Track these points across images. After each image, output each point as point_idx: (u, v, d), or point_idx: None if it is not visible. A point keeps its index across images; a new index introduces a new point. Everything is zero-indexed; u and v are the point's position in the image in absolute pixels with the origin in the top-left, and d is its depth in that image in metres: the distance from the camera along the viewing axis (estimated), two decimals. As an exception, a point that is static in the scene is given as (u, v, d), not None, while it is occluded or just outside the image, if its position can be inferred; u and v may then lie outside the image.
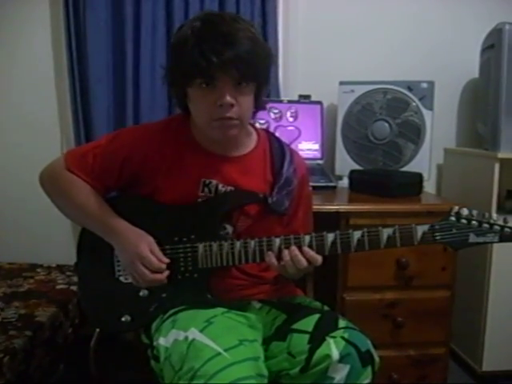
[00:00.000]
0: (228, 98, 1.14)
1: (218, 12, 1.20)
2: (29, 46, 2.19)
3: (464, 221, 1.14)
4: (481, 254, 1.98)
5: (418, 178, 1.92)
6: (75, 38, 2.06)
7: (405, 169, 2.10)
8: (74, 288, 1.93)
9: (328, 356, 1.09)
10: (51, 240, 2.23)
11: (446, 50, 2.31)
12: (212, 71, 1.11)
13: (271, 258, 1.18)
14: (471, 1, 2.31)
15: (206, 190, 1.26)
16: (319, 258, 1.17)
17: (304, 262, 1.16)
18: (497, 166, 1.93)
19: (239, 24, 1.15)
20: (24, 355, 1.50)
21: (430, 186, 2.27)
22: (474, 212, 1.15)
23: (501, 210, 2.01)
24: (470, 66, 2.25)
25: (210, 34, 1.12)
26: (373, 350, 1.14)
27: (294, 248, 1.17)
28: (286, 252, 1.17)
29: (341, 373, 1.09)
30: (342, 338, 1.12)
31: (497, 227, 1.12)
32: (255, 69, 1.16)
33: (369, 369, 1.12)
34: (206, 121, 1.19)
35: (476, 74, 2.25)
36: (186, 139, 1.28)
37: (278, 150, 1.35)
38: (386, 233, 1.16)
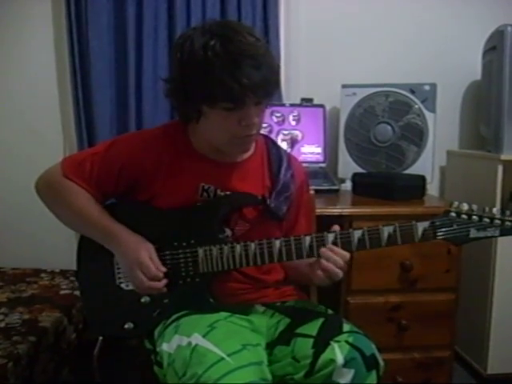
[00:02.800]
0: (255, 119, 1.15)
1: (228, 23, 1.17)
2: (31, 52, 2.20)
3: (464, 216, 1.15)
4: (485, 255, 1.98)
5: (420, 181, 1.92)
6: (77, 43, 2.07)
7: (408, 171, 2.10)
8: (77, 293, 1.92)
9: (332, 360, 1.09)
10: (55, 245, 2.22)
11: (448, 52, 2.30)
12: (245, 97, 1.09)
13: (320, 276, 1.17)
14: (473, 3, 2.31)
15: (205, 194, 1.26)
16: (347, 254, 1.17)
17: (340, 260, 1.15)
18: (500, 168, 1.92)
19: (256, 40, 1.12)
20: (28, 361, 1.50)
21: (433, 189, 2.26)
22: (474, 207, 1.15)
23: (504, 212, 2.01)
24: (473, 68, 2.25)
25: (238, 56, 1.07)
26: (377, 354, 1.13)
27: (324, 250, 1.15)
28: (324, 263, 1.14)
29: (345, 377, 1.08)
30: (347, 342, 1.11)
31: (497, 221, 1.12)
32: (276, 87, 1.19)
33: (373, 373, 1.11)
34: (226, 139, 1.19)
35: (478, 76, 2.24)
36: (184, 146, 1.27)
37: (275, 155, 1.35)
38: (386, 231, 1.16)
